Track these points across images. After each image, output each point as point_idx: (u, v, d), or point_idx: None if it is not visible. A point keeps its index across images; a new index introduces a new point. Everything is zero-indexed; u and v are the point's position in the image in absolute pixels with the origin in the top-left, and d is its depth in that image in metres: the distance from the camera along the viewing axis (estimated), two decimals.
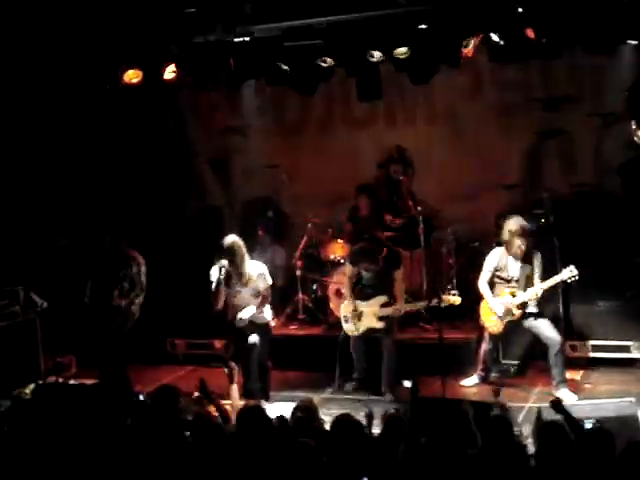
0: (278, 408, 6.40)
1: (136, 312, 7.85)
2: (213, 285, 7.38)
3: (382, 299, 7.72)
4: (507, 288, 7.52)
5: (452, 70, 8.38)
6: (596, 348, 8.03)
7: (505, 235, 7.46)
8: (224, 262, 7.34)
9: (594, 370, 7.98)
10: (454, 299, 7.40)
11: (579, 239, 8.34)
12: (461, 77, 9.16)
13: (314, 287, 9.51)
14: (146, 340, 8.93)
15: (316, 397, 7.05)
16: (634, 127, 8.28)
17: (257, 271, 7.46)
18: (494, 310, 7.53)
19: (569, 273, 7.20)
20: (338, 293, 8.83)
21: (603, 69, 8.79)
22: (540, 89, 9.26)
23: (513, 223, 7.43)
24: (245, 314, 7.39)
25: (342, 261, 8.90)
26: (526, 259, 7.47)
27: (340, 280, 8.59)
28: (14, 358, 8.24)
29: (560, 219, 8.39)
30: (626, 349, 7.91)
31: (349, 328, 7.85)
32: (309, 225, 9.56)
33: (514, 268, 7.51)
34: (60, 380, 8.04)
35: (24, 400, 6.83)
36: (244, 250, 7.42)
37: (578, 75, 9.10)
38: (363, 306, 7.79)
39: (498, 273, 7.57)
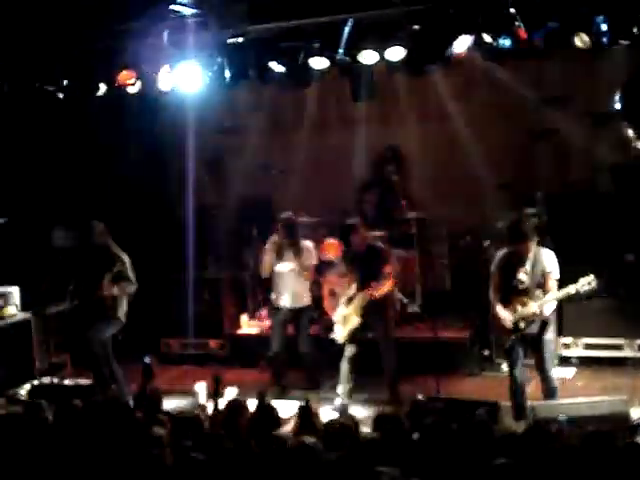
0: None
1: (122, 316, 7.86)
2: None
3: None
4: (518, 296, 6.64)
5: (445, 70, 8.41)
6: (588, 346, 8.08)
7: (509, 237, 6.77)
8: (274, 238, 7.96)
9: (586, 368, 8.03)
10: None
11: (572, 237, 8.38)
12: (454, 77, 9.19)
13: None
14: (140, 340, 8.92)
15: (312, 396, 7.08)
16: (625, 126, 8.33)
17: (307, 248, 8.04)
18: (505, 322, 6.69)
19: (588, 285, 6.34)
20: (332, 293, 8.81)
21: (595, 69, 8.83)
22: (533, 89, 9.30)
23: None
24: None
25: (335, 261, 8.88)
26: (535, 262, 6.62)
27: (334, 280, 8.58)
28: (8, 358, 8.24)
29: (553, 218, 8.42)
30: (618, 347, 7.95)
31: (337, 334, 7.76)
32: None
33: (522, 273, 6.65)
34: (55, 380, 8.02)
35: (20, 401, 6.86)
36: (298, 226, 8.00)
37: (570, 75, 9.14)
38: (349, 309, 7.72)
39: (506, 278, 6.70)
